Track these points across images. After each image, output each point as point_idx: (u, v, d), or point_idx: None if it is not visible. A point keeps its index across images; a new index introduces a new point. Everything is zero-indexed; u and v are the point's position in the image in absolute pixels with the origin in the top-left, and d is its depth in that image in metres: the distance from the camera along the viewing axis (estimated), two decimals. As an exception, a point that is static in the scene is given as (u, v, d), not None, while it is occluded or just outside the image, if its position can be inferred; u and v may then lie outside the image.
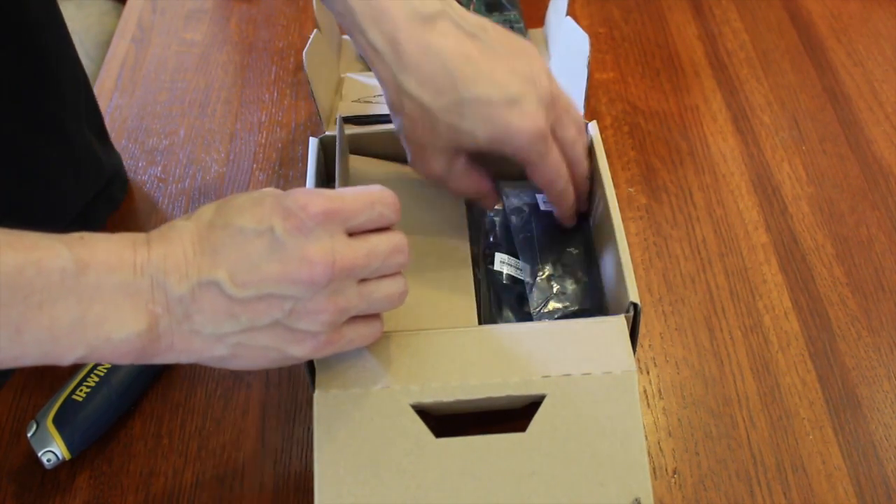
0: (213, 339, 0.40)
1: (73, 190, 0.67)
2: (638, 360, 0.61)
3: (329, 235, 0.40)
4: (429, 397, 0.46)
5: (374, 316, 0.46)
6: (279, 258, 0.39)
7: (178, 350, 0.40)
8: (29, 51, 0.59)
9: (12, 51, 0.57)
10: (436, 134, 0.49)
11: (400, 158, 0.63)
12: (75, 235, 0.38)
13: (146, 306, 0.38)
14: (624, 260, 0.50)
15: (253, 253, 0.39)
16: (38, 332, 0.36)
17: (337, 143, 0.57)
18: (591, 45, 0.59)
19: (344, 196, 0.41)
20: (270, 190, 0.41)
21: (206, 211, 0.41)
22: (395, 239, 0.43)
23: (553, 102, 0.50)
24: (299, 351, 0.42)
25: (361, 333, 0.45)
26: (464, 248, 0.57)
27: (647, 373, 0.61)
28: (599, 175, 0.55)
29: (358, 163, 0.62)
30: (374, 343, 0.48)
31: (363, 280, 0.43)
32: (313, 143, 0.59)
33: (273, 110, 0.81)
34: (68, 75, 0.64)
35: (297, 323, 0.41)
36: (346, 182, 0.59)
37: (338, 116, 0.60)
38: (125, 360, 0.39)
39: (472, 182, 0.53)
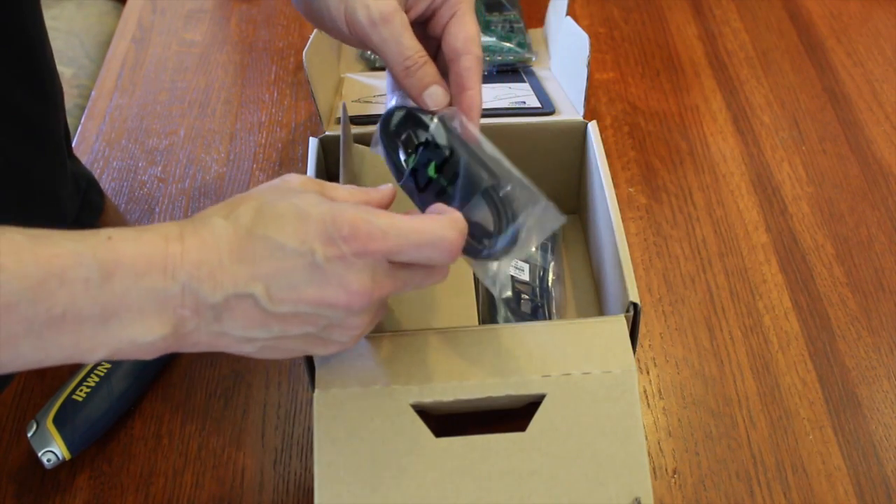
0: (241, 340, 0.40)
1: (69, 200, 0.67)
2: (638, 360, 0.61)
3: (371, 270, 0.39)
4: (429, 397, 0.46)
5: None
6: (318, 283, 0.38)
7: (203, 346, 0.40)
8: (27, 62, 0.59)
9: (12, 62, 0.57)
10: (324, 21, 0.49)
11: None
12: (103, 235, 0.37)
13: (174, 310, 0.38)
14: (624, 260, 0.50)
15: (292, 272, 0.38)
16: (61, 339, 0.36)
17: (342, 132, 0.56)
18: (591, 45, 0.59)
19: (388, 235, 0.39)
20: (314, 199, 0.40)
21: (245, 213, 0.39)
22: (436, 276, 0.43)
23: None
24: (324, 352, 0.43)
25: (372, 321, 0.45)
26: (464, 248, 0.57)
27: (647, 373, 0.61)
28: (599, 175, 0.55)
29: (359, 153, 0.62)
30: (375, 343, 0.48)
31: None
32: (313, 143, 0.59)
33: (273, 110, 0.81)
34: (55, 83, 0.64)
35: (330, 335, 0.41)
36: (351, 173, 0.59)
37: (342, 104, 0.59)
38: (147, 357, 0.39)
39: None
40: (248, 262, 0.38)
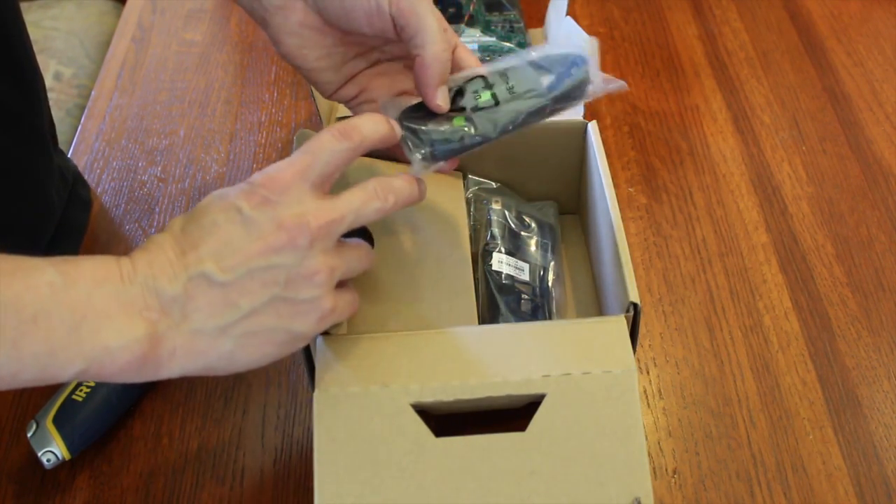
0: (216, 333, 0.40)
1: (57, 195, 0.67)
2: (638, 360, 0.61)
3: (297, 201, 0.41)
4: (429, 397, 0.46)
5: (346, 284, 0.46)
6: (257, 235, 0.40)
7: (182, 355, 0.40)
8: (4, 54, 0.59)
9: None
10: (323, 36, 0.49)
11: (399, 158, 0.63)
12: (58, 258, 0.39)
13: (141, 314, 0.39)
14: (624, 260, 0.50)
15: (230, 238, 0.40)
16: (34, 346, 0.36)
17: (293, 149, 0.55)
18: (591, 45, 0.59)
19: (294, 161, 0.42)
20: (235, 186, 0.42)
21: (177, 220, 0.42)
22: (368, 186, 0.43)
23: None
24: (305, 325, 0.42)
25: (347, 300, 0.45)
26: (464, 248, 0.57)
27: (647, 373, 0.61)
28: (599, 175, 0.55)
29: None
30: (375, 343, 0.48)
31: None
32: (313, 142, 0.58)
33: (273, 110, 0.81)
34: (36, 76, 0.64)
35: (296, 293, 0.41)
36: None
37: (300, 133, 0.58)
38: (127, 375, 0.39)
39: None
40: (191, 249, 0.40)
